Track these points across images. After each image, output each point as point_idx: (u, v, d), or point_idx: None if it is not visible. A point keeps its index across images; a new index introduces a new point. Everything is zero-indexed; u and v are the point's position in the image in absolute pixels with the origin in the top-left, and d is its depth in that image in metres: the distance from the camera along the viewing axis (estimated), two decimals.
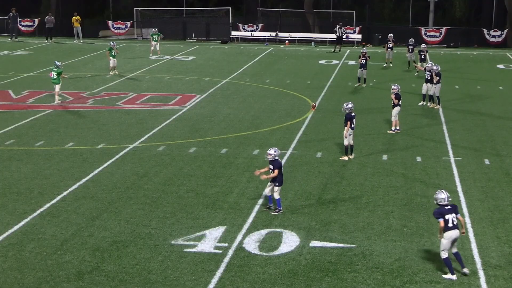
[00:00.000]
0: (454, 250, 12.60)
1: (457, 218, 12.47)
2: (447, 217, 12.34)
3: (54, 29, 50.92)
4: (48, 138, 22.35)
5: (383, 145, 21.92)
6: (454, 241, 12.45)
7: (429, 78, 27.46)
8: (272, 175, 15.49)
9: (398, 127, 23.39)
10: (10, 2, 53.66)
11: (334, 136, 22.40)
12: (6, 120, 24.76)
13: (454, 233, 12.40)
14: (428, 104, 27.58)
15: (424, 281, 12.48)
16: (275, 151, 15.52)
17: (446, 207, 12.41)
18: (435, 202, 12.58)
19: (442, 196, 12.47)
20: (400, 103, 23.15)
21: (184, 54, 44.38)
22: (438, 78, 27.04)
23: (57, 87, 27.89)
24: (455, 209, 12.52)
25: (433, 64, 28.22)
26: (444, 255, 12.46)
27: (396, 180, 18.30)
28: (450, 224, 12.34)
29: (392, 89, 23.24)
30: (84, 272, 12.67)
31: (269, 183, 15.74)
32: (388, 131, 23.35)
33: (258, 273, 12.69)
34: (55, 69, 27.88)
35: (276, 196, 15.65)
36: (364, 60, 31.87)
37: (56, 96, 27.98)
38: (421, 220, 15.44)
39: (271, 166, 15.55)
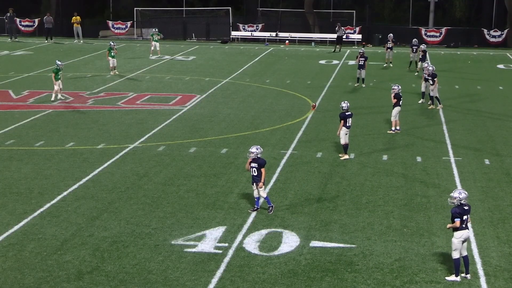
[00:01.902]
0: (464, 253, 12.57)
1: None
2: (464, 217, 12.33)
3: (53, 29, 50.88)
4: (48, 138, 22.35)
5: (383, 145, 21.92)
6: (464, 241, 12.44)
7: (426, 77, 27.66)
8: (263, 176, 15.44)
9: (398, 127, 23.39)
10: (10, 2, 53.63)
11: (334, 136, 22.37)
12: (6, 120, 24.77)
13: (466, 233, 12.40)
14: (429, 107, 27.54)
15: (424, 281, 12.48)
16: (257, 149, 15.47)
17: (465, 207, 12.38)
18: (455, 201, 12.37)
19: (465, 195, 12.40)
20: (400, 103, 23.15)
21: (184, 54, 44.39)
22: (434, 79, 27.06)
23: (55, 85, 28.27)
24: (470, 210, 12.54)
25: (429, 64, 28.28)
26: (456, 255, 12.42)
27: (396, 180, 18.30)
28: (463, 224, 12.35)
29: (392, 89, 23.26)
30: (84, 272, 12.68)
31: (254, 185, 15.65)
32: (388, 131, 23.36)
33: (258, 273, 12.69)
34: (55, 69, 28.19)
35: (264, 194, 15.61)
36: (363, 61, 31.73)
37: (53, 94, 28.24)
38: (421, 220, 15.44)
39: (254, 165, 15.44)
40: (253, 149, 15.48)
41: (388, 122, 23.95)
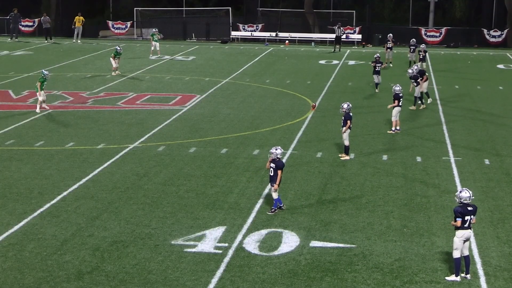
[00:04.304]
0: (466, 253, 12.56)
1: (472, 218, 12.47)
2: (466, 217, 12.31)
3: (52, 29, 50.86)
4: (48, 138, 22.35)
5: (383, 145, 21.92)
6: (465, 241, 12.43)
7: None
8: (278, 177, 15.44)
9: (398, 127, 23.38)
10: (10, 2, 53.63)
11: (334, 136, 22.40)
12: (6, 120, 24.77)
13: (467, 233, 12.40)
14: (414, 107, 27.34)
15: (424, 281, 12.49)
16: (276, 150, 15.52)
17: (469, 207, 12.34)
18: (457, 200, 12.42)
19: (467, 195, 12.38)
20: (400, 104, 23.13)
21: (184, 54, 44.39)
22: (412, 81, 27.07)
23: (38, 95, 25.93)
24: (475, 211, 12.47)
25: (417, 66, 28.16)
26: (456, 254, 12.42)
27: (396, 180, 18.30)
28: (466, 225, 12.34)
29: (393, 89, 23.24)
30: (84, 272, 12.68)
31: (270, 184, 15.74)
32: (388, 131, 23.35)
33: (258, 273, 12.69)
34: (39, 78, 26.11)
35: (275, 195, 15.64)
36: (379, 66, 30.59)
37: (38, 105, 26.06)
38: (421, 220, 15.44)
39: (273, 166, 15.52)
40: (273, 150, 15.54)
41: (388, 122, 23.94)
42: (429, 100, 28.38)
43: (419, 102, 27.44)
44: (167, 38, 50.04)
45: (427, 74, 28.24)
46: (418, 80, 27.07)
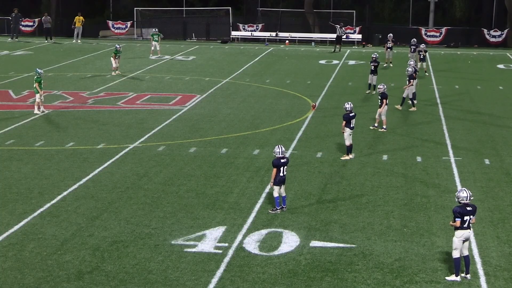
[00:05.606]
0: (465, 252, 12.56)
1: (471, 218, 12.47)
2: (465, 218, 12.31)
3: (52, 29, 50.87)
4: (48, 138, 22.35)
5: (383, 145, 21.93)
6: (465, 241, 12.44)
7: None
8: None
9: (385, 126, 23.33)
10: (10, 2, 53.59)
11: (334, 136, 22.40)
12: (6, 120, 24.76)
13: (466, 233, 12.41)
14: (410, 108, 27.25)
15: (424, 281, 12.49)
16: (274, 148, 15.70)
17: (468, 208, 12.35)
18: (456, 200, 12.47)
19: (464, 194, 12.39)
20: (387, 102, 23.13)
21: (184, 54, 44.38)
22: (407, 79, 27.01)
23: (37, 97, 25.65)
24: (474, 211, 12.48)
25: (410, 65, 27.98)
26: (455, 254, 12.43)
27: (396, 180, 18.30)
28: (465, 225, 12.35)
29: (378, 88, 23.27)
30: (84, 272, 12.68)
31: None
32: (380, 129, 23.29)
33: (258, 273, 12.69)
34: (35, 78, 25.64)
35: (274, 194, 15.68)
36: (374, 66, 30.03)
37: (36, 107, 25.73)
38: (421, 220, 15.45)
39: None
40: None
41: (389, 122, 23.88)
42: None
43: (409, 102, 27.23)
44: (167, 38, 50.02)
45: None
46: (411, 80, 27.00)
